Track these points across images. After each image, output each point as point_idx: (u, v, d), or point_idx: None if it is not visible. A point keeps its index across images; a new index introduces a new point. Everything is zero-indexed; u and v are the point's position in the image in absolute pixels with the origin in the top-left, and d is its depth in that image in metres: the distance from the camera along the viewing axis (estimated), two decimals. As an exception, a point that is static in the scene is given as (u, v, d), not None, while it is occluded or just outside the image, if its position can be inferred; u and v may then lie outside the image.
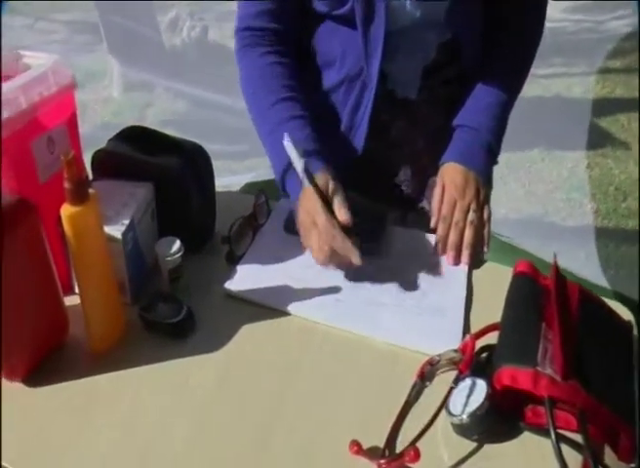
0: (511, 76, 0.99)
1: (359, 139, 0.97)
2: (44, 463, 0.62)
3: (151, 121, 3.42)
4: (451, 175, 0.91)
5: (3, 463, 0.61)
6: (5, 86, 0.65)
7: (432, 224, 0.90)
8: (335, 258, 0.78)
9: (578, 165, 3.34)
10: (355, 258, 0.76)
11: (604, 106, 3.90)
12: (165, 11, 4.18)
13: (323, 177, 0.81)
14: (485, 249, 0.92)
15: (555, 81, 4.32)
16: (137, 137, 0.86)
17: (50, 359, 0.71)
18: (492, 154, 0.97)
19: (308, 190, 0.80)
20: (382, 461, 0.58)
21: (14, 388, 0.68)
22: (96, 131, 2.98)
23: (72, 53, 4.19)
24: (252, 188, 1.91)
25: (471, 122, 0.96)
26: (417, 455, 0.55)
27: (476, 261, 0.89)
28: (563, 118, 3.75)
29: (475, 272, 0.88)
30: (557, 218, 2.84)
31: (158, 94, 3.66)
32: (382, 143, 1.00)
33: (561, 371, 0.61)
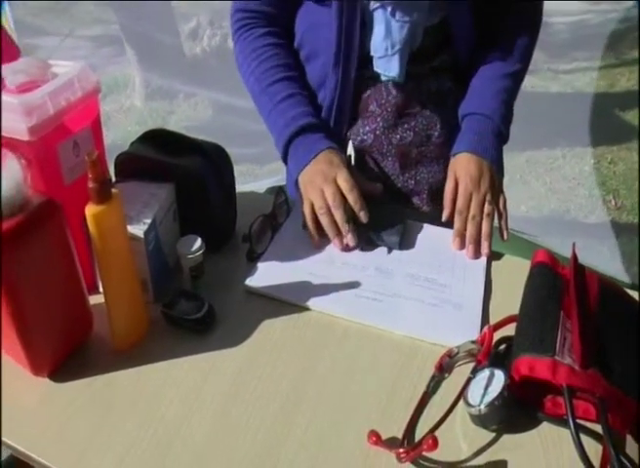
0: (516, 61, 0.98)
1: (342, 126, 0.99)
2: (68, 454, 0.63)
3: (173, 128, 3.47)
4: (465, 167, 0.91)
5: (30, 454, 0.64)
6: (34, 93, 0.68)
7: (444, 218, 0.91)
8: (330, 228, 0.87)
9: (600, 161, 3.30)
10: (349, 238, 0.86)
11: (629, 99, 3.84)
12: (186, 20, 4.25)
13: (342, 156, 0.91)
14: (505, 236, 0.92)
15: (578, 76, 4.26)
16: (158, 140, 0.88)
17: (75, 355, 0.73)
18: (503, 141, 0.97)
19: (332, 153, 0.89)
20: (401, 450, 0.59)
21: (40, 383, 0.70)
22: (120, 139, 3.04)
23: (96, 65, 4.30)
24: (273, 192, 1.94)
25: (483, 109, 0.95)
26: (435, 444, 0.55)
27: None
28: (586, 113, 3.69)
29: (494, 265, 0.88)
30: (579, 215, 2.82)
31: (180, 101, 3.73)
32: (370, 135, 1.00)
33: (580, 360, 0.61)
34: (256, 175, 2.73)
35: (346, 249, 0.88)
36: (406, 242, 0.90)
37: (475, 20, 0.96)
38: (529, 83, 4.21)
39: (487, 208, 0.89)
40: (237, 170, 0.91)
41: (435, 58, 0.96)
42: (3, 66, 0.71)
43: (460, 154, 0.94)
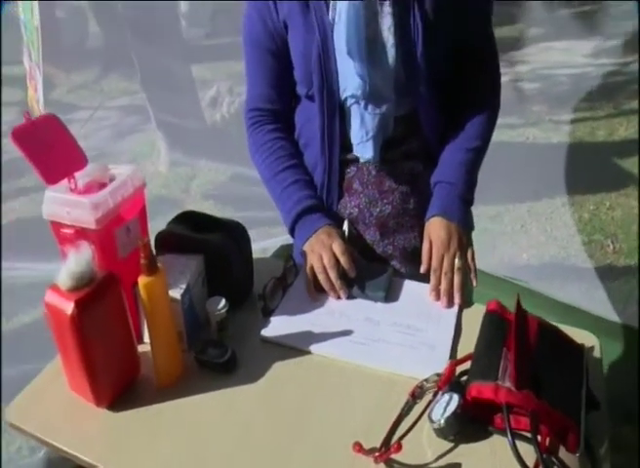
0: (476, 138, 1.16)
1: (333, 202, 1.21)
2: (123, 465, 0.84)
3: (195, 192, 3.73)
4: (436, 231, 1.11)
5: (95, 463, 0.84)
6: (99, 194, 0.91)
7: (422, 270, 1.11)
8: (326, 283, 1.08)
9: (599, 207, 3.45)
10: (341, 292, 1.09)
11: (627, 147, 3.99)
12: (206, 88, 4.51)
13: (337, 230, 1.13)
14: (474, 283, 1.12)
15: (579, 126, 4.45)
16: (189, 220, 1.11)
17: (127, 391, 0.94)
18: (468, 204, 1.16)
19: (329, 228, 1.11)
20: (376, 454, 0.77)
21: (101, 412, 0.91)
22: (147, 203, 3.29)
23: (123, 133, 4.62)
24: (285, 250, 2.16)
25: (449, 178, 1.15)
26: (399, 447, 0.75)
27: (466, 301, 1.09)
28: (586, 162, 3.88)
29: (465, 312, 1.07)
30: (578, 261, 2.96)
31: (201, 167, 3.96)
32: (355, 210, 1.21)
33: (515, 383, 0.80)
34: (270, 234, 2.93)
35: (339, 299, 1.09)
36: (391, 295, 1.10)
37: (441, 111, 1.18)
38: (531, 135, 4.44)
39: (457, 263, 1.09)
40: (253, 232, 1.13)
41: (406, 143, 1.16)
42: (76, 174, 0.95)
43: (432, 219, 1.13)
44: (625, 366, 2.03)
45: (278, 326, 1.05)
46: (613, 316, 2.29)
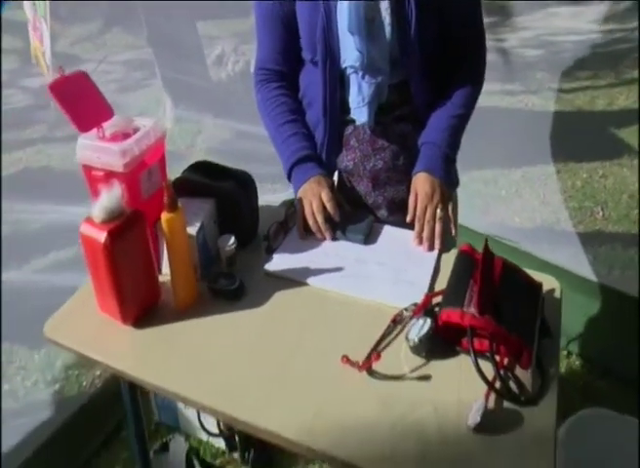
0: (461, 107, 1.30)
1: (331, 155, 1.35)
2: (147, 372, 1.01)
3: (200, 147, 3.83)
4: (421, 185, 1.25)
5: (122, 370, 1.01)
6: (127, 142, 1.04)
7: (408, 219, 1.25)
8: (314, 226, 1.24)
9: (592, 175, 3.56)
10: (326, 234, 1.25)
11: (625, 117, 4.07)
12: (211, 47, 4.61)
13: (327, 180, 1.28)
14: (453, 232, 1.26)
15: (579, 95, 4.49)
16: (202, 168, 1.24)
17: (149, 313, 1.10)
18: (451, 162, 1.30)
19: (320, 177, 1.26)
20: (360, 364, 0.93)
21: (127, 330, 1.07)
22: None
23: (128, 88, 4.68)
24: (286, 204, 2.30)
25: (434, 139, 1.28)
26: (378, 356, 0.90)
27: (446, 247, 1.23)
28: (583, 131, 3.98)
29: (444, 256, 1.22)
30: (568, 226, 3.09)
31: (206, 123, 4.04)
32: (350, 163, 1.35)
33: (478, 309, 0.95)
34: (274, 190, 3.06)
35: (324, 240, 1.25)
36: (371, 239, 1.25)
37: (430, 81, 1.29)
38: (530, 102, 4.51)
39: (438, 214, 1.23)
40: (258, 185, 1.27)
41: (398, 109, 1.30)
42: (104, 125, 1.08)
43: (418, 174, 1.27)
44: (606, 326, 2.18)
45: (279, 262, 1.20)
46: (602, 280, 2.40)
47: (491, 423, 0.88)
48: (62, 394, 2.10)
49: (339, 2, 1.17)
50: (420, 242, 1.23)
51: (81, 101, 1.09)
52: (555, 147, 3.70)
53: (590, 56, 4.78)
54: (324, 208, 1.24)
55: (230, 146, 3.78)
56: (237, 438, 1.77)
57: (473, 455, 0.86)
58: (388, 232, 1.29)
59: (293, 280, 1.16)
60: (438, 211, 1.23)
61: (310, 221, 1.25)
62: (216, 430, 1.78)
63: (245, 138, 3.69)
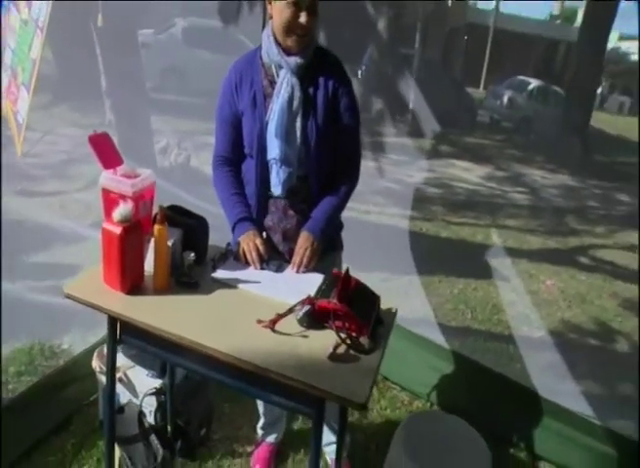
0: (340, 197, 1.94)
1: (260, 217, 1.98)
2: (132, 314, 1.58)
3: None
4: (304, 237, 1.89)
5: (119, 313, 1.58)
6: (134, 180, 1.69)
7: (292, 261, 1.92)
8: (250, 259, 1.87)
9: (466, 287, 4.41)
10: (257, 266, 1.86)
11: (498, 250, 5.12)
12: (158, 137, 5.23)
13: (259, 233, 1.93)
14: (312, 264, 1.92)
15: (464, 228, 5.53)
16: (176, 209, 1.88)
17: (136, 288, 1.68)
18: (325, 231, 1.92)
19: (254, 230, 1.91)
20: (267, 324, 1.56)
21: (122, 296, 1.65)
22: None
23: (77, 161, 5.11)
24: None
25: (315, 217, 1.91)
26: (278, 319, 1.54)
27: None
28: (465, 256, 4.93)
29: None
30: (444, 321, 3.83)
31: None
32: (270, 222, 1.98)
33: (338, 299, 1.60)
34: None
35: (256, 268, 1.88)
36: (281, 269, 1.90)
37: (323, 177, 1.97)
38: (424, 227, 5.46)
39: (309, 252, 1.89)
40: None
41: (301, 191, 1.92)
42: (117, 170, 1.73)
43: (303, 232, 1.90)
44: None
45: (222, 274, 1.83)
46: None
47: (341, 358, 1.51)
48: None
49: (270, 120, 1.87)
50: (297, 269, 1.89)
51: (105, 150, 1.75)
52: (441, 263, 4.58)
53: (475, 201, 5.95)
54: (257, 249, 1.89)
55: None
56: (169, 428, 2.26)
57: (327, 371, 1.48)
58: (290, 268, 1.95)
59: (230, 285, 1.78)
60: (308, 252, 1.89)
61: (248, 256, 1.89)
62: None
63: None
